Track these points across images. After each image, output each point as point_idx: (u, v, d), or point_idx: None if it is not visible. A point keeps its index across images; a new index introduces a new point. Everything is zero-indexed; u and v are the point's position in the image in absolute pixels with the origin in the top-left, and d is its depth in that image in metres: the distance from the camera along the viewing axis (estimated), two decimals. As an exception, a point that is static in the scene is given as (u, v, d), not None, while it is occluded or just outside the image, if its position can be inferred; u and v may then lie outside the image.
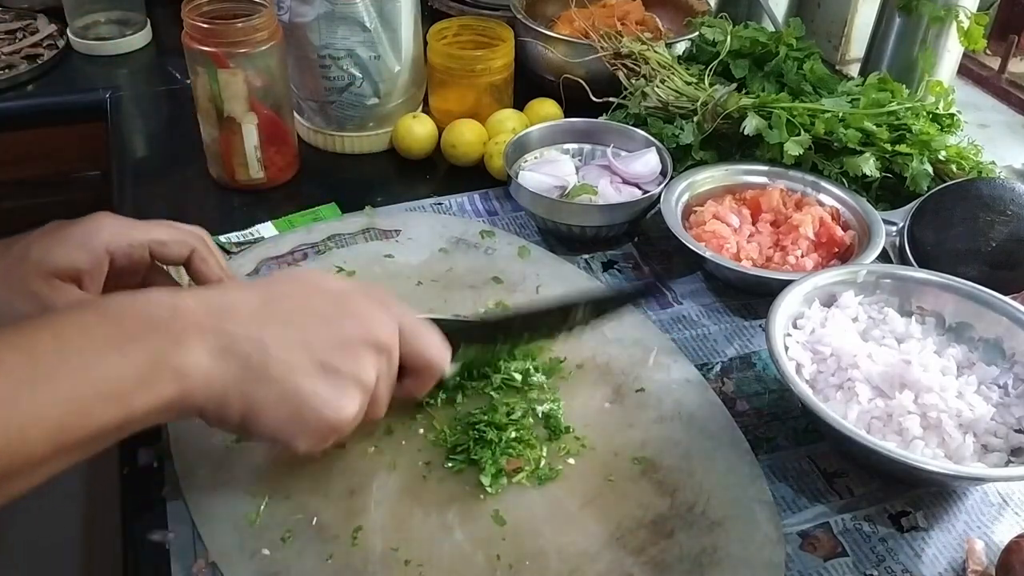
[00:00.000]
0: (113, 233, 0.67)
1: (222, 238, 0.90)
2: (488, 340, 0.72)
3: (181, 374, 0.52)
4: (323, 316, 0.58)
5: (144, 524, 0.63)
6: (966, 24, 1.06)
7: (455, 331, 0.68)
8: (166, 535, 0.62)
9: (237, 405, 0.54)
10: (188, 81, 0.98)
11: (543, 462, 0.68)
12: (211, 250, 0.71)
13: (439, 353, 0.65)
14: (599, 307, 0.74)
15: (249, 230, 0.92)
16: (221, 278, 0.72)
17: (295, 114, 1.05)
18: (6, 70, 1.20)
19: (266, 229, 0.92)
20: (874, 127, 0.91)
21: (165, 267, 0.72)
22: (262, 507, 0.64)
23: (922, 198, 0.90)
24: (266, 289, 0.59)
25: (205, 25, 0.90)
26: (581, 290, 0.80)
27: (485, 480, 0.66)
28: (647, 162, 0.95)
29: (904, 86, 0.98)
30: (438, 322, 0.66)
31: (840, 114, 0.92)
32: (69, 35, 1.28)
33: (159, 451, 0.68)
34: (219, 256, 0.72)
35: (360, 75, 1.01)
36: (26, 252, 0.64)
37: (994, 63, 1.28)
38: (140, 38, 1.30)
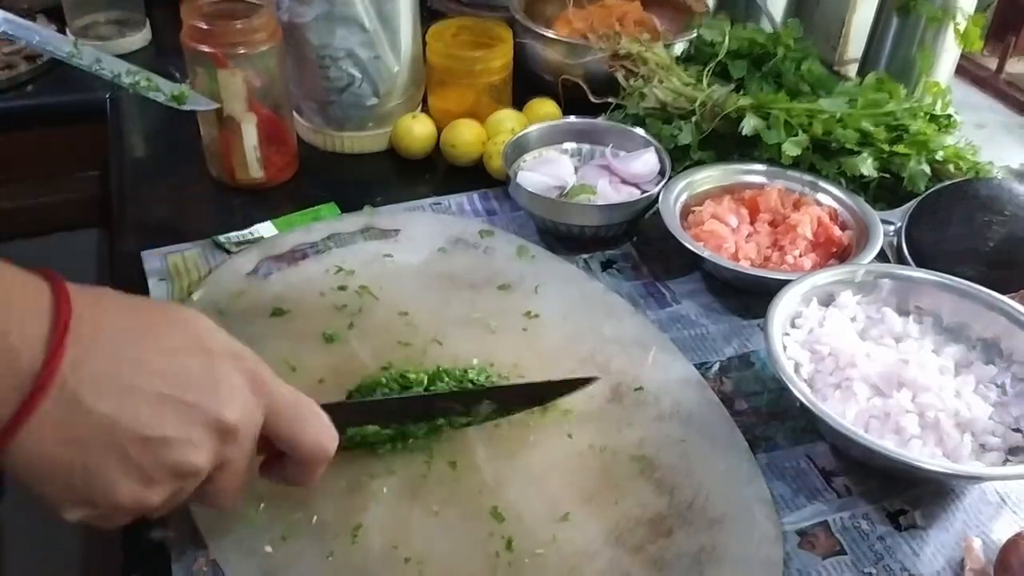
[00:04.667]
0: None
1: (221, 237, 0.90)
2: (385, 420, 0.66)
3: None
4: (179, 374, 0.49)
5: (144, 523, 0.63)
6: (962, 25, 1.07)
7: (347, 412, 0.63)
8: (166, 533, 0.62)
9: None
10: (187, 81, 0.98)
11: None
12: None
13: (319, 439, 0.56)
14: (512, 402, 0.71)
15: (248, 229, 0.92)
16: None
17: (294, 114, 1.05)
18: (6, 70, 1.20)
19: (266, 228, 0.93)
20: (872, 127, 0.92)
21: None
22: (261, 506, 0.64)
23: (920, 198, 0.90)
24: (150, 313, 0.51)
25: (204, 25, 0.90)
26: (510, 383, 0.74)
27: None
28: (646, 162, 0.96)
29: (902, 86, 0.98)
30: (327, 407, 0.58)
31: (838, 114, 0.92)
32: (69, 35, 1.28)
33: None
34: None
35: (359, 75, 1.01)
36: None
37: (992, 64, 1.28)
38: (139, 38, 1.30)
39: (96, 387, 0.46)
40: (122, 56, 1.26)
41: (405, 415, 0.67)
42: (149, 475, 0.48)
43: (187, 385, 0.49)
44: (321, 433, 0.56)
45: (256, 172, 0.98)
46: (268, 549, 0.61)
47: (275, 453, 0.56)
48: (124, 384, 0.46)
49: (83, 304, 0.46)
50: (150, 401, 0.47)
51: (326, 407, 0.57)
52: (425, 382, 0.72)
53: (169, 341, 0.49)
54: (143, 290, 0.85)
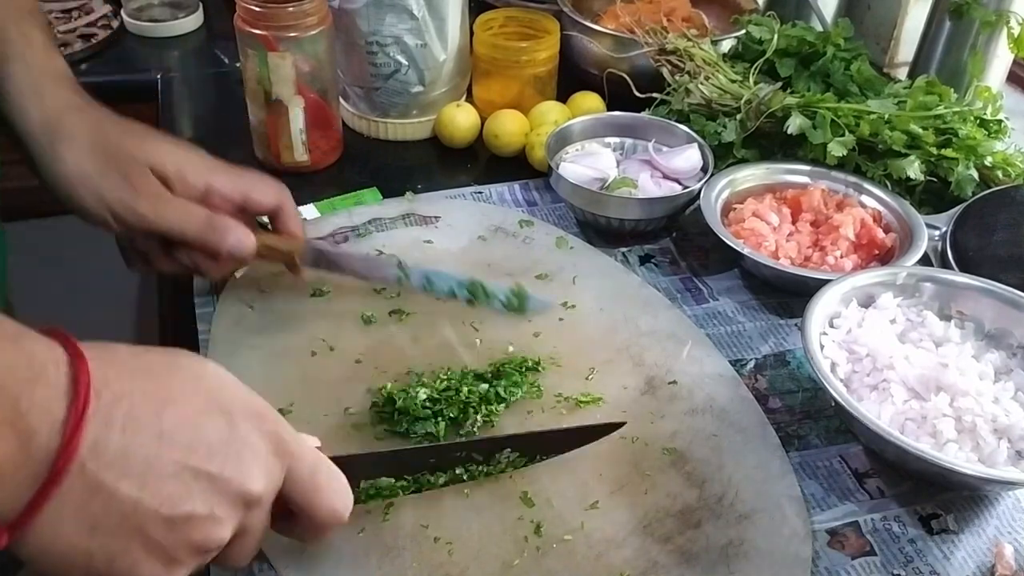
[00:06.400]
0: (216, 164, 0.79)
1: (265, 218, 0.91)
2: (399, 472, 0.62)
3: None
4: (202, 443, 0.46)
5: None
6: (1016, 30, 1.05)
7: (361, 465, 0.59)
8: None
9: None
10: (237, 64, 0.99)
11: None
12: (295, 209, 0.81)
13: (335, 506, 0.53)
14: (538, 449, 0.66)
15: (292, 211, 0.93)
16: (299, 235, 0.80)
17: (340, 99, 1.06)
18: (61, 48, 1.22)
19: (308, 211, 0.94)
20: (920, 130, 0.90)
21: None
22: (296, 480, 0.65)
23: (966, 203, 0.89)
24: (165, 371, 0.47)
25: (257, 8, 0.91)
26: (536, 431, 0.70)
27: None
28: (688, 158, 0.95)
29: (952, 90, 0.97)
30: (339, 460, 0.55)
31: (886, 116, 0.91)
32: (123, 16, 1.30)
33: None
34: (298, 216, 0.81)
35: (406, 63, 1.02)
36: (141, 143, 0.74)
37: (1045, 71, 1.26)
38: (192, 21, 1.32)
39: (117, 467, 0.43)
40: (174, 38, 1.30)
41: (422, 466, 0.62)
42: (172, 555, 0.45)
43: (211, 455, 0.46)
44: (337, 499, 0.53)
45: (301, 156, 1.00)
46: (301, 522, 0.62)
47: (286, 509, 0.53)
48: (146, 461, 0.44)
49: (100, 373, 0.43)
50: (173, 476, 0.44)
51: (339, 460, 0.54)
52: (454, 383, 0.71)
53: (188, 405, 0.46)
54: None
